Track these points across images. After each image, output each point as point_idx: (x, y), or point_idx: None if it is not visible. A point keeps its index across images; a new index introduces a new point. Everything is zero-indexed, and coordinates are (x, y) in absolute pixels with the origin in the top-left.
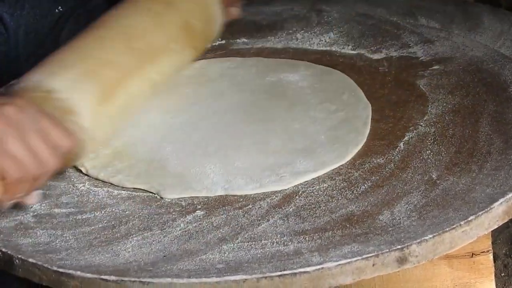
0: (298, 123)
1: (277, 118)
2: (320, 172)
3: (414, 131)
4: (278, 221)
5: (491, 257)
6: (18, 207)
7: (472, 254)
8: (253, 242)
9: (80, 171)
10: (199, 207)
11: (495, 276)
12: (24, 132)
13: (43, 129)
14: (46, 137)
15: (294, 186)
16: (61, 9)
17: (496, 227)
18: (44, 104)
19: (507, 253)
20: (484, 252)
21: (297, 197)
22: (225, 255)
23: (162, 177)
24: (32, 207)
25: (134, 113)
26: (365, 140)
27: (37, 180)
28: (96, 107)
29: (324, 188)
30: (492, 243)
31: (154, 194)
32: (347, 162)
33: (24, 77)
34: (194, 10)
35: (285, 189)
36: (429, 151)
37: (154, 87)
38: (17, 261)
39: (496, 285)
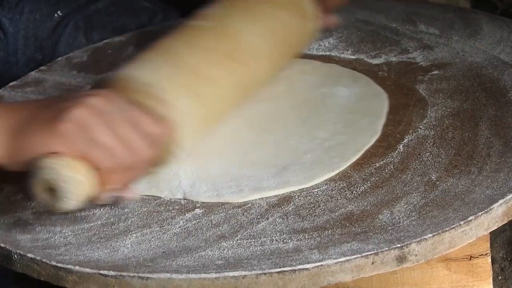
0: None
1: (285, 131)
2: (279, 191)
3: (414, 134)
4: (277, 219)
5: (489, 260)
6: (116, 203)
7: (470, 257)
8: (252, 240)
9: None
10: (198, 205)
11: (492, 279)
12: (112, 121)
13: (133, 117)
14: (137, 124)
15: (293, 187)
16: (60, 14)
17: (495, 228)
18: (138, 96)
19: (504, 256)
20: (482, 255)
21: (296, 196)
22: (224, 252)
23: None
24: (31, 204)
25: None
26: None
27: (132, 170)
28: (197, 128)
29: (323, 188)
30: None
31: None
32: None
33: (124, 69)
34: (300, 41)
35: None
36: (429, 153)
37: None
38: (15, 256)
39: None
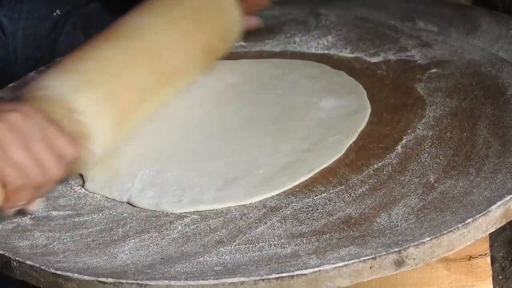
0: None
1: (253, 141)
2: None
3: (412, 134)
4: (275, 223)
5: (489, 260)
6: (20, 213)
7: (470, 257)
8: (251, 245)
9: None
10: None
11: (492, 279)
12: (28, 140)
13: (48, 137)
14: (51, 145)
15: (291, 188)
16: (59, 13)
17: (493, 230)
18: (54, 111)
19: (505, 255)
20: (481, 255)
21: (294, 199)
22: (223, 257)
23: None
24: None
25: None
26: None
27: (40, 188)
28: (109, 132)
29: (322, 191)
30: (489, 246)
31: None
32: (345, 164)
33: (40, 80)
34: (217, 30)
35: (282, 192)
36: (427, 154)
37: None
38: (14, 263)
39: None
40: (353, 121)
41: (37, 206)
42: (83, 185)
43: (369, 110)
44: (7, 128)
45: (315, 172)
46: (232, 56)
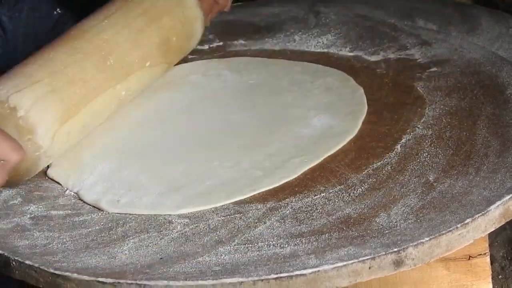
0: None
1: (222, 150)
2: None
3: (412, 133)
4: (274, 223)
5: (488, 259)
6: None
7: (469, 256)
8: (250, 245)
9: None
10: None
11: (492, 278)
12: None
13: None
14: None
15: (291, 188)
16: (59, 12)
17: (492, 230)
18: (2, 117)
19: (505, 255)
20: (481, 254)
21: (293, 199)
22: (222, 257)
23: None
24: (29, 208)
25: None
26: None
27: None
28: (56, 126)
29: (321, 190)
30: (489, 245)
31: None
32: (344, 164)
33: None
34: (175, 27)
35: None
36: (426, 154)
37: (121, 103)
38: (14, 263)
39: (494, 287)
40: (328, 143)
41: None
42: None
43: (353, 135)
44: None
45: (257, 192)
46: (231, 54)
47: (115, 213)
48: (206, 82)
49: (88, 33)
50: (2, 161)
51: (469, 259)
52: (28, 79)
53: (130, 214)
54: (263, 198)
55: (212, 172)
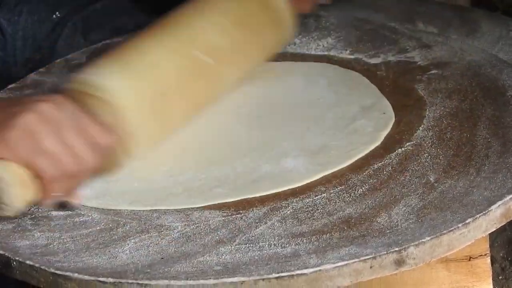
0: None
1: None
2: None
3: (412, 134)
4: (275, 223)
5: (489, 260)
6: (61, 207)
7: (470, 257)
8: (251, 244)
9: None
10: (197, 209)
11: (492, 279)
12: (59, 129)
13: (81, 126)
14: (84, 133)
15: (291, 189)
16: (58, 15)
17: (493, 229)
18: (92, 102)
19: (505, 256)
20: (481, 255)
21: (294, 199)
22: (223, 257)
23: None
24: (30, 209)
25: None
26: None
27: (76, 178)
28: (150, 119)
29: (322, 191)
30: (489, 246)
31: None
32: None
33: (81, 72)
34: (272, 41)
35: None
36: (427, 154)
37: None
38: (14, 263)
39: None
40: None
41: (78, 200)
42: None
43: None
44: (38, 118)
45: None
46: None
47: (238, 201)
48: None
49: (189, 33)
50: (92, 143)
51: (469, 260)
52: (126, 68)
53: (132, 213)
54: (263, 199)
55: (237, 172)
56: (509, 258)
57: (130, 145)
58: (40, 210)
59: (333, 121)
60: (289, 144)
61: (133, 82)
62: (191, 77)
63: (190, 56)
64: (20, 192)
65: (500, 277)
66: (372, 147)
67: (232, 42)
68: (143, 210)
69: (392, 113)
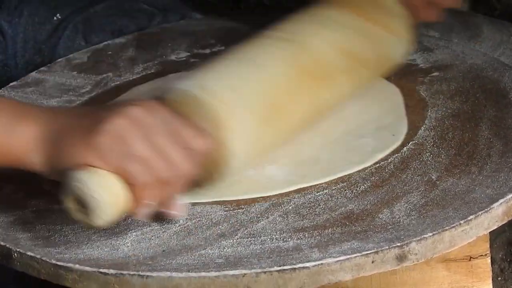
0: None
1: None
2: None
3: (414, 134)
4: (277, 218)
5: (489, 261)
6: (161, 219)
7: (470, 257)
8: (253, 238)
9: None
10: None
11: (492, 280)
12: (151, 134)
13: (174, 130)
14: (177, 137)
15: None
16: (59, 17)
17: (495, 227)
18: (191, 110)
19: (504, 257)
20: (482, 255)
21: (296, 195)
22: (224, 250)
23: None
24: (31, 202)
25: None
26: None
27: (169, 185)
28: (253, 132)
29: (323, 187)
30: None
31: None
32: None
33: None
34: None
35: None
36: (429, 154)
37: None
38: (15, 254)
39: None
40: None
41: (181, 211)
42: None
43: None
44: (129, 123)
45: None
46: None
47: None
48: None
49: (306, 56)
50: (186, 148)
51: (470, 260)
52: (237, 92)
53: None
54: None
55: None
56: (508, 259)
57: (229, 154)
58: (41, 204)
59: (340, 135)
60: (283, 151)
61: (241, 93)
62: (304, 109)
63: (299, 69)
64: (109, 203)
65: (499, 278)
66: (358, 168)
67: (344, 61)
68: None
69: (402, 135)
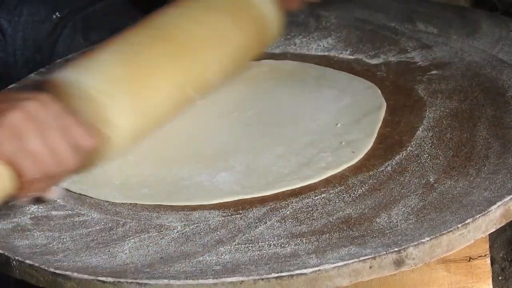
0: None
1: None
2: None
3: (412, 135)
4: (275, 223)
5: (489, 261)
6: (36, 201)
7: (470, 258)
8: (250, 244)
9: None
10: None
11: (492, 280)
12: (44, 129)
13: (65, 127)
14: (68, 135)
15: (291, 189)
16: (58, 15)
17: (493, 230)
18: (75, 102)
19: (505, 256)
20: (481, 256)
21: (294, 200)
22: (222, 257)
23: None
24: (30, 209)
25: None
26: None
27: (55, 178)
28: (131, 115)
29: (321, 191)
30: (489, 246)
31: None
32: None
33: (62, 71)
34: (254, 31)
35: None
36: (427, 155)
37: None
38: (14, 262)
39: None
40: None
41: (54, 195)
42: None
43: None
44: (24, 117)
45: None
46: None
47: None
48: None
49: (169, 29)
50: (75, 146)
51: (469, 260)
52: (109, 71)
53: (132, 213)
54: (263, 199)
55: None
56: (508, 259)
57: (112, 144)
58: (39, 209)
59: (302, 147)
60: (243, 157)
61: (114, 79)
62: (174, 69)
63: (174, 53)
64: None
65: (500, 278)
66: (304, 184)
67: (213, 30)
68: (143, 210)
69: (361, 154)
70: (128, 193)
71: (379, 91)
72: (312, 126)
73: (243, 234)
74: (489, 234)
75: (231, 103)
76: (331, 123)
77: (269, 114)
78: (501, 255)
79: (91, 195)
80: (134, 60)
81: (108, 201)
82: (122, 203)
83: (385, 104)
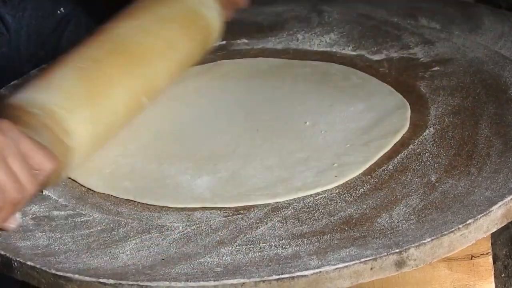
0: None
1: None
2: None
3: (414, 133)
4: (276, 224)
5: (491, 259)
6: None
7: (472, 256)
8: (252, 245)
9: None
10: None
11: (495, 277)
12: (5, 157)
13: (24, 153)
14: (27, 161)
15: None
16: (62, 11)
17: (494, 230)
18: (33, 122)
19: (507, 254)
20: (483, 254)
21: (295, 199)
22: (223, 258)
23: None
24: (31, 209)
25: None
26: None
27: (16, 205)
28: (88, 129)
29: (323, 191)
30: (492, 244)
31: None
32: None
33: (19, 93)
34: (199, 32)
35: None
36: (428, 154)
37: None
38: (15, 264)
39: (496, 286)
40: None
41: (14, 224)
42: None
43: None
44: None
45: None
46: (233, 53)
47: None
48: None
49: (118, 38)
50: (36, 171)
51: (471, 258)
52: (60, 84)
53: (133, 213)
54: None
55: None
56: (511, 256)
57: (74, 154)
58: (41, 210)
59: (294, 161)
60: (232, 163)
61: (73, 94)
62: (128, 79)
63: (126, 57)
64: None
65: (503, 275)
66: (280, 200)
67: (164, 41)
68: (144, 210)
69: (345, 178)
70: (110, 184)
71: (409, 111)
72: (318, 142)
73: (244, 235)
74: (491, 232)
75: (249, 106)
76: (341, 143)
77: (280, 121)
78: (503, 252)
79: (79, 181)
80: (91, 75)
81: (109, 201)
82: (123, 203)
83: (406, 127)
